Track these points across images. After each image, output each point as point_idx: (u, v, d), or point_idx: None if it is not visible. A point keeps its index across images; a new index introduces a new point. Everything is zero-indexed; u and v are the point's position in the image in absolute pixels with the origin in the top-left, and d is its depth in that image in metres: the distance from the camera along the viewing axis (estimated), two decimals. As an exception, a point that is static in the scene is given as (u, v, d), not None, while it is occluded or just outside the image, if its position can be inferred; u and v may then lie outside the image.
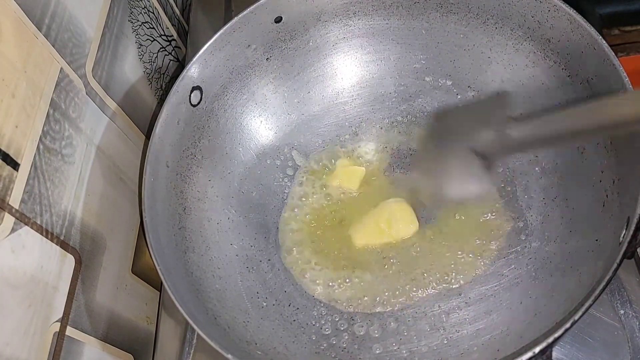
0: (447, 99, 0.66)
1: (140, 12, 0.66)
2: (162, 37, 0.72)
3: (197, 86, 0.58)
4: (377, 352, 0.54)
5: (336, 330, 0.56)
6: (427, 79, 0.66)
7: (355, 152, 0.66)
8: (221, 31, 0.58)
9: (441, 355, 0.52)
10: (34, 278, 0.42)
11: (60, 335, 0.45)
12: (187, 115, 0.58)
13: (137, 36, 0.64)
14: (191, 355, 0.59)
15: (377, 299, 0.56)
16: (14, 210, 0.40)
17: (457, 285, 0.56)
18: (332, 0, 0.62)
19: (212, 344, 0.44)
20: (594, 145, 0.53)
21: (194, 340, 0.59)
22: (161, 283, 0.48)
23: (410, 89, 0.67)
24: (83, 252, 0.49)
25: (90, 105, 0.53)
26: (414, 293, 0.56)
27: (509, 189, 0.60)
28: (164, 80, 0.72)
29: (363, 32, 0.65)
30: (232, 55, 0.60)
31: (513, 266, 0.56)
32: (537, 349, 0.41)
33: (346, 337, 0.55)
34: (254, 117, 0.65)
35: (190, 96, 0.57)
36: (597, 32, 0.50)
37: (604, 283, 0.41)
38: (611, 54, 0.49)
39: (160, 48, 0.71)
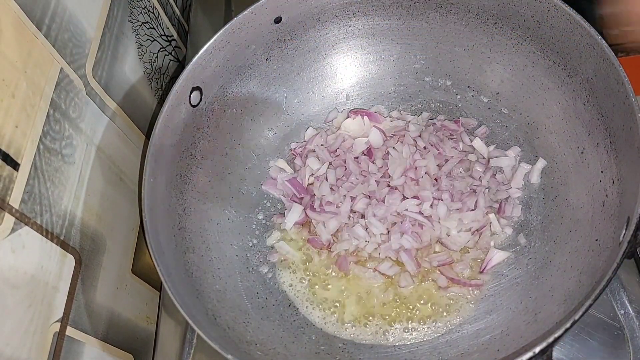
0: (447, 98, 0.66)
1: (141, 12, 0.66)
2: (162, 37, 0.73)
3: (197, 86, 0.58)
4: (378, 352, 0.54)
5: (336, 330, 0.56)
6: (426, 79, 0.67)
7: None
8: (221, 31, 0.58)
9: (441, 355, 0.52)
10: (34, 278, 0.42)
11: (60, 335, 0.45)
12: (187, 115, 0.58)
13: (137, 36, 0.64)
14: (191, 355, 0.59)
15: (377, 304, 0.57)
16: (14, 210, 0.40)
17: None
18: (332, 0, 0.62)
19: (212, 344, 0.44)
20: (594, 146, 0.53)
21: (194, 341, 0.59)
22: (161, 283, 0.48)
23: (410, 89, 0.67)
24: (83, 252, 0.49)
25: (90, 105, 0.53)
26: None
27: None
28: (164, 80, 0.72)
29: (363, 32, 0.65)
30: (232, 55, 0.60)
31: (513, 266, 0.56)
32: (537, 349, 0.41)
33: (346, 337, 0.55)
34: (253, 117, 0.65)
35: (190, 96, 0.57)
36: (596, 32, 0.50)
37: (603, 283, 0.41)
38: (611, 53, 0.49)
39: (161, 48, 0.71)
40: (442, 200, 0.58)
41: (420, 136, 0.62)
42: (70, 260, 0.47)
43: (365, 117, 0.65)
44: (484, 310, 0.54)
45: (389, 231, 0.58)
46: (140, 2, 0.66)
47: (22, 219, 0.41)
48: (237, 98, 0.63)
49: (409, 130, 0.63)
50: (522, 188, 0.60)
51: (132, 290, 0.58)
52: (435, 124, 0.64)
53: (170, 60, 0.75)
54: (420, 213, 0.58)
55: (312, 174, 0.63)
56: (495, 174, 0.61)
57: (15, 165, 0.41)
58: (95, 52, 0.54)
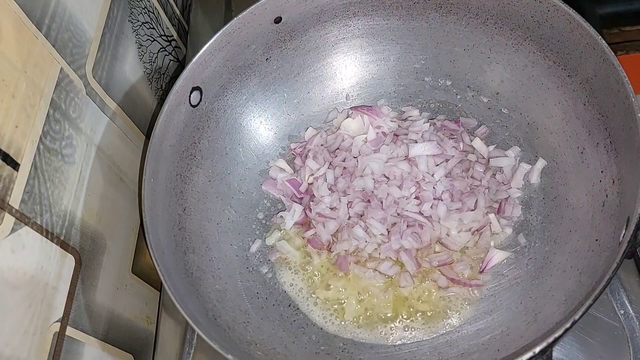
0: (447, 98, 0.66)
1: (141, 12, 0.66)
2: (162, 37, 0.73)
3: (197, 87, 0.58)
4: (378, 352, 0.54)
5: (336, 330, 0.56)
6: (426, 79, 0.67)
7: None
8: (221, 31, 0.58)
9: (441, 355, 0.52)
10: (34, 278, 0.42)
11: (60, 336, 0.45)
12: (187, 115, 0.58)
13: (137, 36, 0.64)
14: (191, 355, 0.59)
15: (377, 304, 0.57)
16: (14, 211, 0.40)
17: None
18: (332, 0, 0.62)
19: (212, 344, 0.44)
20: (594, 145, 0.53)
21: (194, 341, 0.59)
22: (161, 283, 0.48)
23: (410, 89, 0.67)
24: (83, 252, 0.49)
25: (90, 106, 0.53)
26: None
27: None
28: (164, 80, 0.72)
29: (363, 33, 0.65)
30: (232, 55, 0.60)
31: (513, 266, 0.56)
32: (537, 349, 0.41)
33: (346, 337, 0.55)
34: (253, 117, 0.65)
35: (190, 96, 0.58)
36: (596, 32, 0.50)
37: (603, 283, 0.41)
38: (610, 53, 0.49)
39: (161, 48, 0.71)
40: (442, 200, 0.58)
41: (422, 137, 0.63)
42: (70, 261, 0.47)
43: (365, 116, 0.65)
44: (484, 310, 0.54)
45: (389, 231, 0.58)
46: (140, 2, 0.66)
47: (22, 219, 0.41)
48: (237, 98, 0.63)
49: (410, 131, 0.63)
50: (522, 188, 0.60)
51: (132, 290, 0.58)
52: (435, 124, 0.64)
53: (170, 60, 0.75)
54: (421, 213, 0.58)
55: (312, 174, 0.63)
56: (495, 174, 0.61)
57: (15, 165, 0.41)
58: (95, 52, 0.54)
